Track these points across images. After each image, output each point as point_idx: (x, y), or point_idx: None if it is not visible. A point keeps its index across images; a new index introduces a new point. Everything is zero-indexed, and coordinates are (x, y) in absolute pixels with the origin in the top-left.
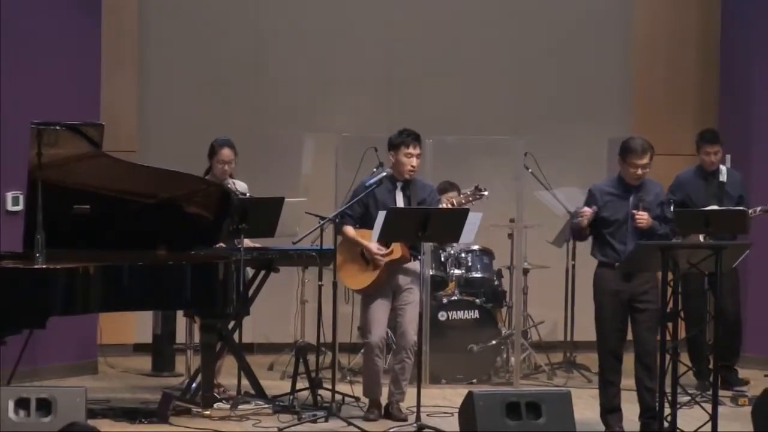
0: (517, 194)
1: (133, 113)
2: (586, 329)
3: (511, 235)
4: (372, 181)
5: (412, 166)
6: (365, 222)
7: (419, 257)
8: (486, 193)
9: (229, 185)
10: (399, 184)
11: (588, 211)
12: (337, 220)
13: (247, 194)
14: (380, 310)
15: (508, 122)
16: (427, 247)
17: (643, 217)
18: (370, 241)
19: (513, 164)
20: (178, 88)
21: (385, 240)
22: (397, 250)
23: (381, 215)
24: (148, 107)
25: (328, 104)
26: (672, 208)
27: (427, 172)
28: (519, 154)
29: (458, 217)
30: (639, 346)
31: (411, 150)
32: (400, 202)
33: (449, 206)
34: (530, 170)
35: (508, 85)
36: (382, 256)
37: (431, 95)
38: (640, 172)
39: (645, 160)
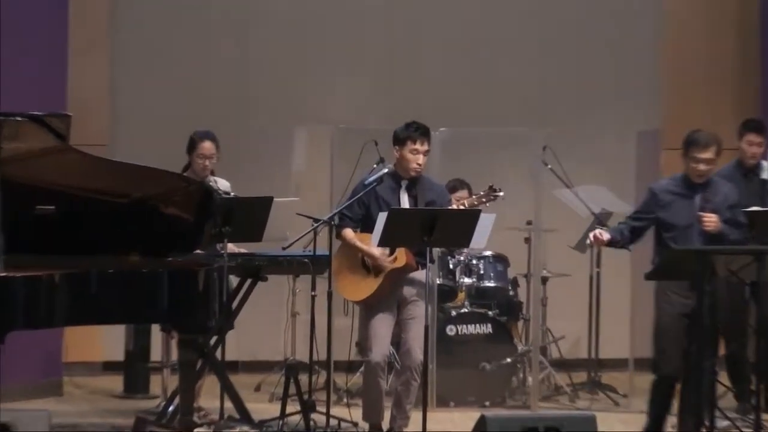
0: (535, 193)
1: (104, 103)
2: (612, 345)
3: (528, 240)
4: (372, 178)
5: (417, 164)
6: (367, 225)
7: (426, 265)
8: (501, 194)
9: (210, 183)
10: (404, 183)
11: (599, 239)
12: (333, 223)
13: (231, 193)
14: (383, 324)
15: (525, 112)
16: (435, 253)
17: (711, 220)
18: (371, 246)
19: (530, 159)
20: (154, 74)
21: (386, 245)
22: (402, 257)
23: (382, 217)
24: (120, 96)
25: (322, 91)
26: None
27: (434, 167)
28: (537, 148)
29: (469, 219)
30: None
31: (418, 146)
32: (405, 203)
33: (460, 207)
34: (549, 166)
35: (525, 71)
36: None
37: (438, 81)
38: (703, 167)
39: (708, 154)
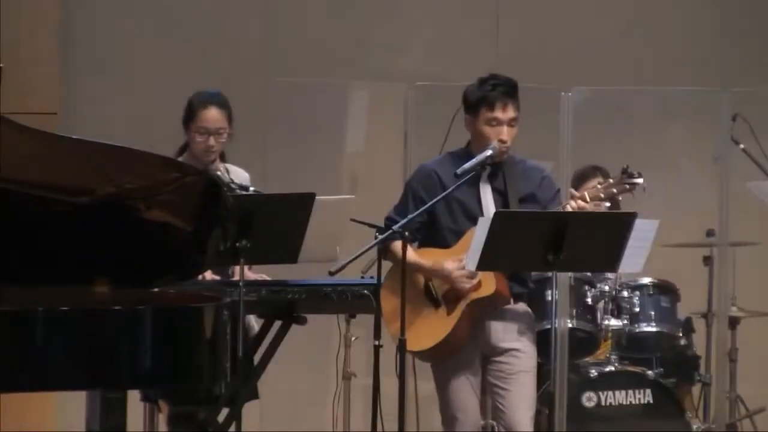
0: (720, 188)
1: (54, 52)
2: None
3: (708, 259)
4: (468, 166)
5: (501, 140)
6: (432, 235)
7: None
8: (640, 180)
9: (218, 173)
10: (485, 171)
11: None
12: (407, 235)
13: (251, 189)
14: (465, 386)
15: (704, 66)
16: (563, 280)
17: None
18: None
19: (711, 135)
20: (130, 11)
21: (490, 268)
22: (489, 282)
23: (483, 225)
24: (76, 42)
25: (390, 35)
26: None
27: (562, 146)
28: (723, 118)
29: (616, 226)
30: None
31: (498, 113)
32: (488, 202)
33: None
34: (742, 146)
35: (702, 5)
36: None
37: (565, 18)
38: None
39: None
